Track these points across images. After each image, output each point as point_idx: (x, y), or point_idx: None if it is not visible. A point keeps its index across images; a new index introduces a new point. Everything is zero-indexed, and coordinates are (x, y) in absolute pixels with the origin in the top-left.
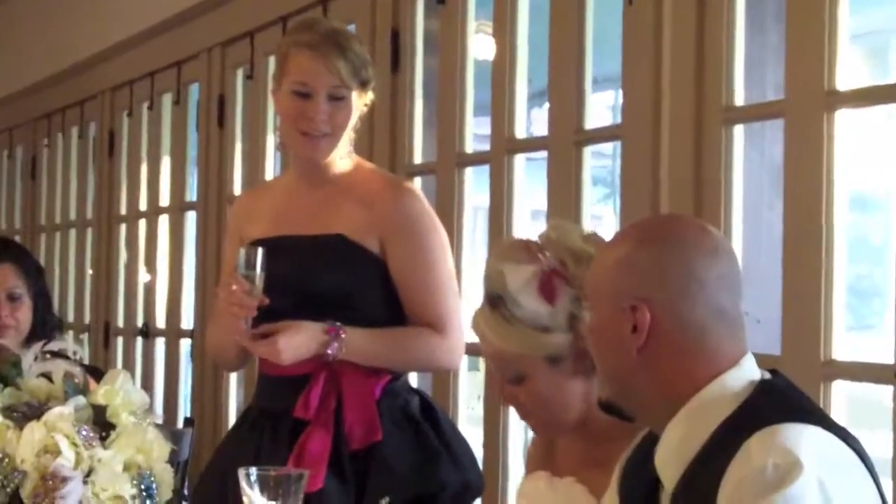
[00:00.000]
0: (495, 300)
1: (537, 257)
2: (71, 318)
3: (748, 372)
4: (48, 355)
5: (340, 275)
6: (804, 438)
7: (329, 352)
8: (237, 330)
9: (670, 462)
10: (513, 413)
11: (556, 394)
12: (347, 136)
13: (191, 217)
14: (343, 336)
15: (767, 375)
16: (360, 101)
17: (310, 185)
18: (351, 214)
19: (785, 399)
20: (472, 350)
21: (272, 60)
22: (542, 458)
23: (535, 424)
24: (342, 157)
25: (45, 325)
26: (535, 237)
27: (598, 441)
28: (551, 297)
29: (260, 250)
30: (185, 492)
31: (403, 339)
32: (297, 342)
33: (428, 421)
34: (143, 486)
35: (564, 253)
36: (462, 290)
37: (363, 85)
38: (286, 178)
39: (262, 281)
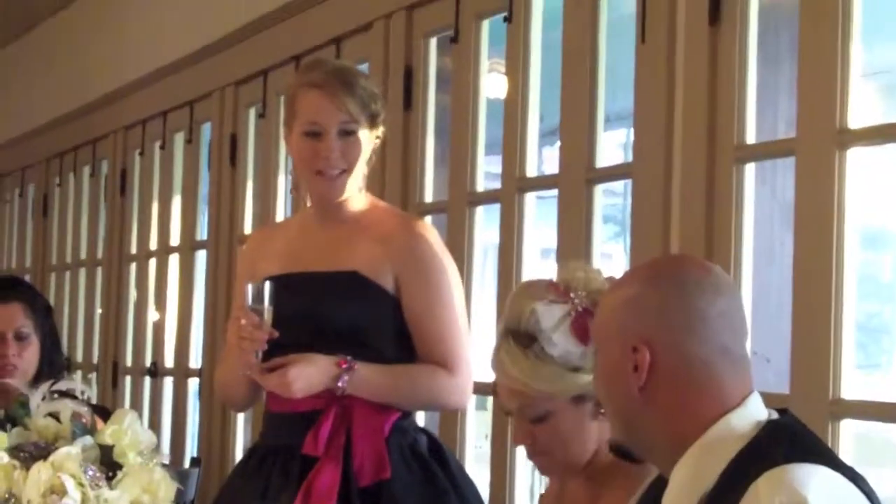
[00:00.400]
0: (526, 338)
1: (568, 297)
2: (80, 357)
3: (754, 412)
4: (56, 395)
5: (353, 310)
6: (813, 479)
7: (340, 385)
8: (248, 364)
9: None
10: (520, 453)
11: (577, 434)
12: (361, 172)
13: (201, 256)
14: (355, 369)
15: (775, 415)
16: (372, 136)
17: (324, 223)
18: (366, 251)
19: (793, 439)
20: (480, 389)
21: (284, 100)
22: None
23: (548, 463)
24: (356, 194)
25: (53, 365)
26: (552, 277)
27: (600, 482)
28: (584, 338)
29: (268, 284)
30: None
31: (414, 376)
32: (309, 374)
33: (436, 460)
34: None
35: (595, 294)
36: (472, 329)
37: (373, 119)
38: (300, 217)
39: (272, 314)
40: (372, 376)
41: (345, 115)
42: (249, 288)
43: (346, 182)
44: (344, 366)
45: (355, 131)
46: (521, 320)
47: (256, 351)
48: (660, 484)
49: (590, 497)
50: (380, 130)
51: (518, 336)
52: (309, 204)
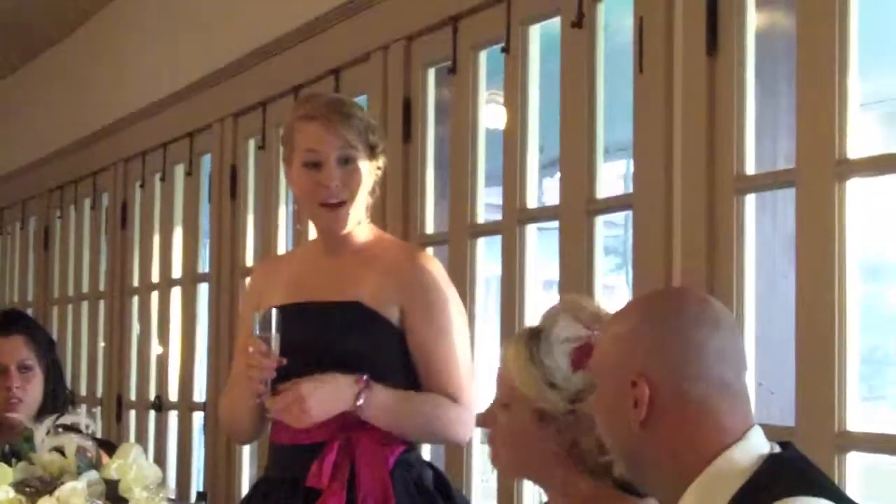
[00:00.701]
0: (535, 333)
1: (592, 327)
2: (83, 391)
3: (756, 446)
4: (60, 429)
5: (357, 341)
6: None
7: (359, 403)
8: (256, 392)
9: None
10: (527, 486)
11: (526, 443)
12: (364, 203)
13: (203, 289)
14: (372, 388)
15: (777, 448)
16: (372, 166)
17: (330, 254)
18: (370, 283)
19: (796, 473)
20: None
21: (281, 137)
22: None
23: (494, 455)
24: (360, 223)
25: (57, 399)
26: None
27: None
28: (577, 365)
29: (275, 311)
30: None
31: (423, 404)
32: (324, 393)
33: (441, 494)
34: None
35: None
36: (475, 360)
37: (371, 149)
38: (305, 249)
39: (279, 342)
40: (388, 396)
41: (342, 141)
42: (256, 316)
43: (348, 212)
44: (361, 383)
45: (355, 158)
46: (547, 319)
47: (266, 379)
48: None
49: None
50: (380, 161)
51: (534, 330)
52: (312, 237)
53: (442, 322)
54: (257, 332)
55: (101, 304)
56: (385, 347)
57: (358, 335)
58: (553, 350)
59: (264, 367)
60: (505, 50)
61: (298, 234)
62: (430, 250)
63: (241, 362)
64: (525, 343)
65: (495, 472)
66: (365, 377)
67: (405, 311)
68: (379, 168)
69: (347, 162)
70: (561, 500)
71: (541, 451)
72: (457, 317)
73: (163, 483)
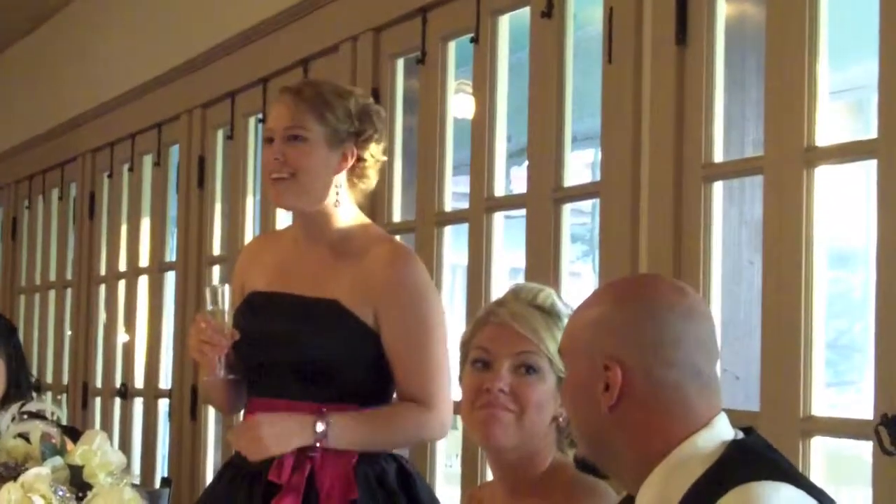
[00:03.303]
0: (550, 310)
1: None
2: (49, 378)
3: (721, 432)
4: (25, 416)
5: (328, 341)
6: (777, 497)
7: (318, 445)
8: (212, 369)
9: None
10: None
11: (545, 405)
12: (328, 186)
13: (170, 277)
14: (331, 424)
15: (741, 435)
16: (337, 149)
17: (311, 241)
18: (348, 280)
19: (758, 458)
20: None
21: (252, 121)
22: None
23: (514, 419)
24: (337, 207)
25: (20, 386)
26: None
27: (554, 500)
28: None
29: (226, 287)
30: None
31: (391, 420)
32: (279, 430)
33: (403, 490)
34: None
35: None
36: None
37: (334, 133)
38: (290, 233)
39: (231, 317)
40: (348, 428)
41: (288, 119)
42: (208, 291)
43: (291, 190)
44: (320, 426)
45: (304, 137)
46: (541, 296)
47: (219, 356)
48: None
49: None
50: (371, 149)
51: (543, 309)
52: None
53: (418, 324)
54: (209, 307)
55: (69, 292)
56: (357, 348)
57: (330, 335)
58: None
59: (215, 344)
60: (474, 40)
61: (265, 223)
62: (396, 238)
63: (193, 335)
64: (545, 319)
65: (459, 457)
66: (323, 411)
67: (379, 312)
68: (353, 157)
69: (296, 139)
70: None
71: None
72: (432, 318)
73: (127, 469)
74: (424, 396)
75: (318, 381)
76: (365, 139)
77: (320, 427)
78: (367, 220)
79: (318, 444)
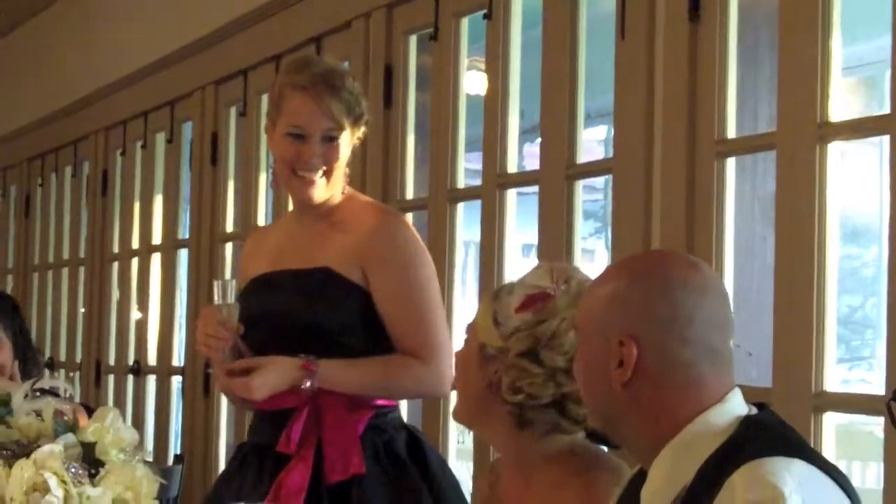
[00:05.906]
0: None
1: (559, 282)
2: (63, 356)
3: (734, 407)
4: (38, 393)
5: (324, 308)
6: (788, 472)
7: (304, 387)
8: (217, 361)
9: (656, 500)
10: None
11: (466, 376)
12: (342, 173)
13: (183, 255)
14: (315, 371)
15: (754, 410)
16: (353, 136)
17: (304, 219)
18: (336, 246)
19: (770, 434)
20: None
21: (265, 98)
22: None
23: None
24: (334, 193)
25: (27, 363)
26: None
27: (529, 473)
28: (522, 308)
29: (233, 281)
30: None
31: (384, 367)
32: (270, 379)
33: (412, 458)
34: None
35: (575, 297)
36: (453, 324)
37: (356, 121)
38: (287, 218)
39: (238, 311)
40: (335, 373)
41: (329, 121)
42: (216, 285)
43: (324, 185)
44: (306, 368)
45: (338, 137)
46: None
47: (223, 349)
48: (639, 479)
49: (521, 484)
50: (361, 131)
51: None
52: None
53: (407, 280)
54: (216, 301)
55: (82, 270)
56: (352, 312)
57: (324, 302)
58: (514, 291)
59: (220, 338)
60: (487, 16)
61: (277, 200)
62: (409, 215)
63: (200, 329)
64: (503, 285)
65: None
66: (310, 359)
67: (368, 270)
68: (359, 138)
69: (332, 140)
70: (492, 438)
71: (472, 383)
72: (421, 271)
73: (140, 446)
74: (420, 351)
75: (318, 348)
76: (365, 120)
77: (307, 371)
78: (357, 194)
79: (304, 388)
